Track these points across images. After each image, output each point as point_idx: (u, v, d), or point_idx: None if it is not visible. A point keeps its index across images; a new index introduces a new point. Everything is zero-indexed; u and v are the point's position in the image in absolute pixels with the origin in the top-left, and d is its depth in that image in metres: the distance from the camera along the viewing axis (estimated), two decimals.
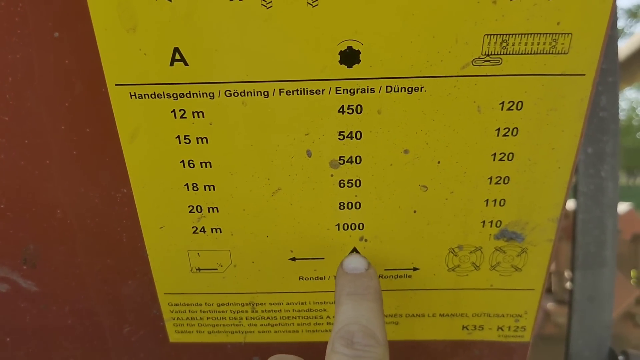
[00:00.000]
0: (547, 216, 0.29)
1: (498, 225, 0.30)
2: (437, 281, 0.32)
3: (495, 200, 0.29)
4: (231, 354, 0.35)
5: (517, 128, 0.27)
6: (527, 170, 0.28)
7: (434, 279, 0.32)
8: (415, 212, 0.29)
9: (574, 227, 0.54)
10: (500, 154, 0.27)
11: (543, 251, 0.30)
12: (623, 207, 1.62)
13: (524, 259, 0.31)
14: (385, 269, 0.31)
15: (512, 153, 0.27)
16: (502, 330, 0.34)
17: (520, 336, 0.34)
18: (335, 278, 0.30)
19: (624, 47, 1.10)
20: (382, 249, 0.31)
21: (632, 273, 1.42)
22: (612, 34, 0.54)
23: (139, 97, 0.25)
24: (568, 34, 0.24)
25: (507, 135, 0.27)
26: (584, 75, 0.25)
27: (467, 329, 0.34)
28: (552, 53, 0.24)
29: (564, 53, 0.24)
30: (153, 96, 0.25)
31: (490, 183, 0.28)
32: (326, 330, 0.34)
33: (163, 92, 0.25)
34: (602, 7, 0.23)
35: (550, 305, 1.40)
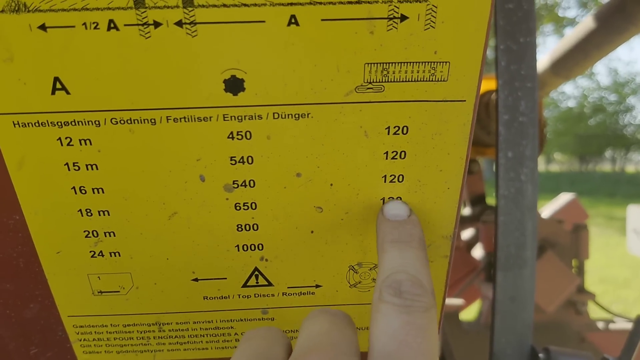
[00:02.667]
0: (441, 234, 0.30)
1: None
2: (340, 297, 0.33)
3: None
4: None
5: (404, 151, 0.27)
6: (418, 191, 0.29)
7: (337, 295, 0.33)
8: (312, 232, 0.30)
9: (495, 229, 0.55)
10: (391, 175, 0.28)
11: (440, 267, 0.31)
12: (566, 197, 1.66)
13: None
14: (288, 287, 0.32)
15: (402, 175, 0.28)
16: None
17: None
18: (376, 225, 0.29)
19: (566, 38, 1.13)
20: (284, 267, 0.31)
21: (574, 262, 1.46)
22: (530, 41, 0.55)
23: (22, 126, 0.25)
24: (446, 62, 0.25)
25: (396, 159, 0.27)
26: (465, 101, 0.26)
27: None
28: (432, 80, 0.25)
29: (444, 80, 0.25)
30: (37, 124, 0.25)
31: (383, 203, 0.29)
32: (235, 347, 0.34)
33: (47, 121, 0.25)
34: (477, 36, 0.24)
35: None
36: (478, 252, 1.61)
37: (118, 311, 0.32)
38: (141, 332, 0.33)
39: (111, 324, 0.33)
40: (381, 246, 0.27)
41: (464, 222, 1.71)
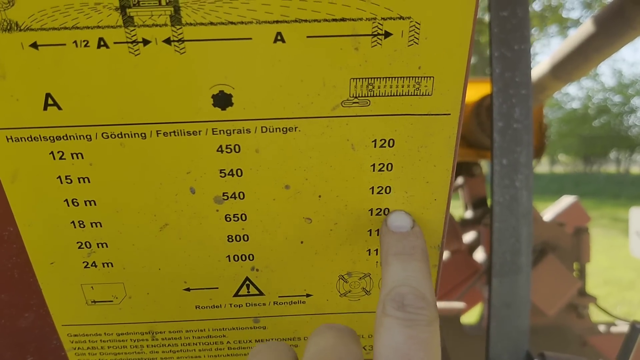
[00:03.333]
0: (430, 244, 0.31)
1: None
2: (331, 306, 0.33)
3: (378, 231, 0.30)
4: None
5: (391, 164, 0.28)
6: (405, 202, 0.29)
7: (327, 304, 0.33)
8: (302, 242, 0.30)
9: (490, 235, 0.56)
10: (378, 187, 0.28)
11: None
12: (568, 199, 1.65)
13: None
14: (279, 296, 0.32)
15: (389, 186, 0.28)
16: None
17: None
18: (379, 236, 0.30)
19: (566, 42, 1.13)
20: (274, 277, 0.31)
21: (575, 265, 1.46)
22: (525, 48, 0.56)
23: (15, 140, 0.26)
24: (430, 77, 0.25)
25: (383, 171, 0.28)
26: (449, 114, 0.26)
27: (365, 349, 0.35)
28: (416, 95, 0.26)
29: (428, 95, 0.26)
30: (30, 139, 0.26)
31: (372, 214, 0.29)
32: (227, 355, 0.35)
33: (39, 135, 0.26)
34: (460, 51, 0.25)
35: None
36: (479, 255, 1.61)
37: (111, 320, 0.33)
38: (134, 341, 0.34)
39: (105, 333, 0.33)
40: (385, 259, 0.27)
41: (465, 225, 1.71)
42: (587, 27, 1.02)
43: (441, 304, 1.38)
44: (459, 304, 1.39)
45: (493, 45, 0.57)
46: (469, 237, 1.68)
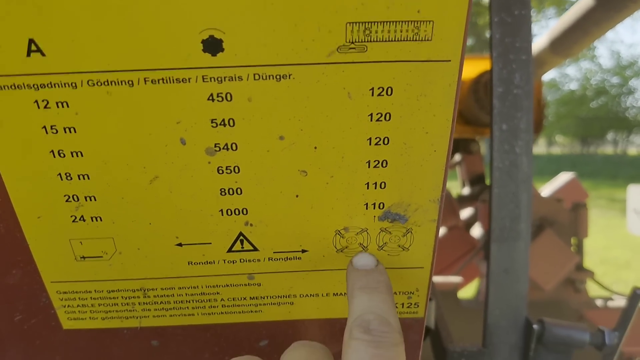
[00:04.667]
0: (428, 197, 0.30)
1: (381, 207, 0.30)
2: (327, 262, 0.32)
3: (375, 184, 0.29)
4: (128, 338, 0.35)
5: (389, 113, 0.27)
6: (404, 153, 0.28)
7: (323, 260, 0.32)
8: (297, 196, 0.29)
9: (490, 201, 0.55)
10: (376, 138, 0.28)
11: (428, 231, 0.31)
12: (566, 176, 1.65)
13: (410, 239, 0.31)
14: (274, 252, 0.32)
15: (387, 137, 0.28)
16: (396, 307, 0.35)
17: (414, 312, 0.35)
18: (346, 275, 0.32)
19: (565, 17, 1.12)
20: (268, 232, 0.31)
21: (572, 240, 1.46)
22: (525, 14, 0.55)
23: None
24: (429, 21, 0.24)
25: (380, 121, 0.27)
26: (450, 61, 0.25)
27: None
28: (415, 40, 0.25)
29: (428, 40, 0.25)
30: (13, 87, 0.25)
31: (369, 167, 0.29)
32: (221, 313, 0.34)
33: (23, 83, 0.25)
34: None
35: None
36: (477, 231, 1.61)
37: (102, 277, 0.32)
38: (126, 298, 0.33)
39: (95, 290, 0.33)
40: (351, 293, 0.29)
41: (463, 201, 1.72)
42: (586, 1, 1.01)
43: (438, 278, 1.39)
44: (456, 278, 1.40)
45: (493, 10, 0.55)
46: (466, 213, 1.69)
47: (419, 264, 0.33)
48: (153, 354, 0.36)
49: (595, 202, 7.33)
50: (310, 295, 0.34)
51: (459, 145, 1.70)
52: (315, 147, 0.28)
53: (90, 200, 0.29)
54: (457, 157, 1.75)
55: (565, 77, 22.07)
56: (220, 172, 0.28)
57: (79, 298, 0.33)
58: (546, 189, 1.63)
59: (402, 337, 0.26)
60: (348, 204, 0.30)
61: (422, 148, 0.28)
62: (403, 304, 0.35)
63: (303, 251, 0.32)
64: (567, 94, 21.98)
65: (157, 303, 0.33)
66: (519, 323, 0.57)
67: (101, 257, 0.31)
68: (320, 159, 0.28)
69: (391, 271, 0.33)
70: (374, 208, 0.30)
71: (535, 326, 0.55)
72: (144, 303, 0.33)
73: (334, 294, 0.34)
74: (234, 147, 0.27)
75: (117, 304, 0.33)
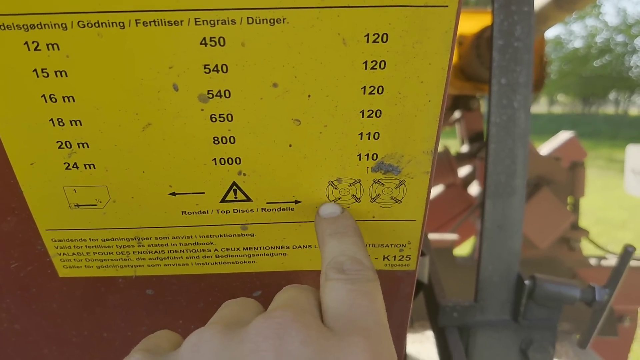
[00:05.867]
0: (422, 149, 0.30)
1: (374, 158, 0.30)
2: None
3: (369, 134, 0.29)
4: (124, 287, 0.35)
5: (384, 61, 0.26)
6: (398, 103, 0.28)
7: (316, 211, 0.32)
8: (290, 146, 0.29)
9: (486, 157, 0.55)
10: (370, 87, 0.27)
11: (421, 183, 0.31)
12: (565, 135, 1.65)
13: (403, 191, 0.31)
14: (267, 202, 0.32)
15: (381, 86, 0.27)
16: (388, 259, 0.35)
17: (406, 265, 0.35)
18: (314, 227, 0.32)
19: None
20: (262, 182, 0.31)
21: (569, 199, 1.47)
22: None
23: None
24: None
25: (375, 69, 0.27)
26: (447, 7, 0.25)
27: None
28: None
29: None
30: (2, 27, 0.24)
31: (363, 116, 0.28)
32: (215, 263, 0.35)
33: (12, 23, 0.24)
34: None
35: None
36: (474, 189, 1.62)
37: (96, 225, 0.32)
38: (120, 247, 0.33)
39: (90, 239, 0.33)
40: (321, 241, 0.30)
41: (461, 159, 1.71)
42: None
43: (434, 236, 1.40)
44: (451, 236, 1.41)
45: None
46: (464, 171, 1.69)
47: (412, 216, 0.33)
48: (148, 303, 0.37)
49: (594, 162, 7.33)
50: (303, 246, 0.34)
51: (459, 102, 1.69)
52: (309, 96, 0.27)
53: (83, 147, 0.28)
54: (457, 114, 1.74)
55: (570, 34, 21.77)
56: (214, 119, 0.28)
57: (74, 246, 0.33)
58: (545, 148, 1.62)
59: (376, 275, 0.27)
60: (341, 155, 0.30)
61: (416, 98, 0.28)
62: (395, 257, 0.35)
63: (296, 202, 0.32)
64: (571, 52, 21.73)
65: (152, 252, 0.34)
66: (511, 279, 0.57)
67: (95, 205, 0.31)
68: (314, 108, 0.28)
69: (383, 223, 0.33)
70: (368, 159, 0.30)
71: (526, 282, 0.56)
72: (138, 252, 0.34)
73: None
74: (227, 94, 0.27)
75: (112, 253, 0.33)
